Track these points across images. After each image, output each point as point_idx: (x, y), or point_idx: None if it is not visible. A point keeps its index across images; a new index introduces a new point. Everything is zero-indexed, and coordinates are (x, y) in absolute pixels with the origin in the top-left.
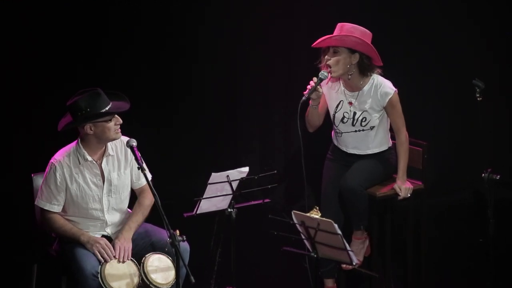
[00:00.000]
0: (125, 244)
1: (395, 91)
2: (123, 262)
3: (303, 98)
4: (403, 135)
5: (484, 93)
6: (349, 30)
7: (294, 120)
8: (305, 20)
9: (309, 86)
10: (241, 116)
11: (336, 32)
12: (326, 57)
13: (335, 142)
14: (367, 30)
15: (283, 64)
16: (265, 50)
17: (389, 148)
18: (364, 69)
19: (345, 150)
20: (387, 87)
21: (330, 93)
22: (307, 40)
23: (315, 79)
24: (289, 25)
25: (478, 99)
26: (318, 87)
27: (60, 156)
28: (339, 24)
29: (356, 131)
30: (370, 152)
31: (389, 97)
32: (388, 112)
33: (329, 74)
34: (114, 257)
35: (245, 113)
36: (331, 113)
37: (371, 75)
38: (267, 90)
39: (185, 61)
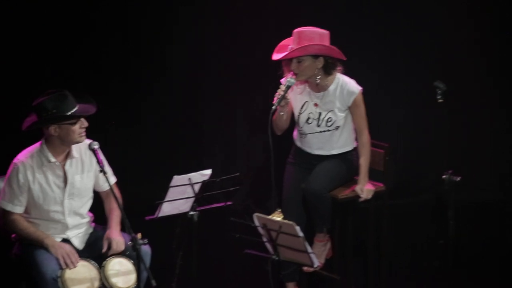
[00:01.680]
0: (120, 238)
1: (360, 90)
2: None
3: (273, 107)
4: (365, 136)
5: (445, 95)
6: (309, 37)
7: (258, 123)
8: (273, 20)
9: (277, 95)
10: (204, 119)
11: (295, 41)
12: (291, 66)
13: (299, 144)
14: (324, 31)
15: (246, 68)
16: (228, 53)
17: (354, 148)
18: (329, 68)
19: (309, 151)
20: (353, 86)
21: (294, 94)
22: (272, 43)
23: (282, 87)
24: (255, 26)
25: (439, 101)
26: (286, 94)
27: (23, 157)
28: (296, 31)
29: (321, 131)
30: (335, 153)
31: (354, 96)
32: (352, 112)
33: (296, 80)
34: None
35: (207, 116)
36: (296, 114)
37: (335, 75)
38: (230, 92)
39: (150, 64)
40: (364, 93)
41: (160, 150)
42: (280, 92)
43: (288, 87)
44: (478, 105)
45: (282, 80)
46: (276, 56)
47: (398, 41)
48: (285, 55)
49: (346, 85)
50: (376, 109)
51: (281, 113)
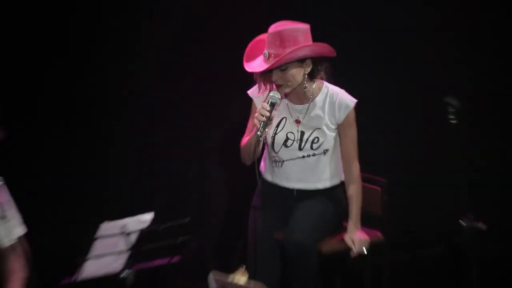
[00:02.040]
0: None
1: (355, 103)
2: None
3: (258, 134)
4: (356, 167)
5: (460, 114)
6: (292, 37)
7: (215, 155)
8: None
9: (258, 116)
10: (147, 148)
11: (274, 44)
12: (272, 77)
13: (269, 178)
14: (304, 25)
15: (198, 106)
16: (177, 89)
17: (341, 183)
18: (316, 73)
19: (286, 185)
20: (346, 97)
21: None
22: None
23: (265, 105)
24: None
25: (453, 121)
26: (271, 115)
27: None
28: (275, 32)
29: (303, 156)
30: (321, 187)
31: (348, 110)
32: (342, 133)
33: (281, 93)
34: None
35: (153, 143)
36: (270, 135)
37: (320, 81)
38: (184, 117)
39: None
40: (357, 109)
41: (87, 186)
42: (263, 112)
43: (273, 105)
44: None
45: (250, 92)
46: (253, 67)
47: (399, 47)
48: (271, 65)
49: (337, 96)
50: (369, 132)
51: (261, 138)
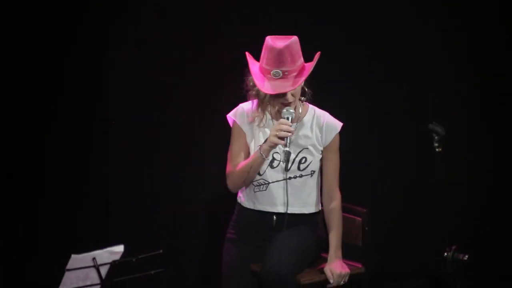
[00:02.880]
0: None
1: (341, 126)
2: None
3: (287, 150)
4: (338, 195)
5: (444, 141)
6: (295, 51)
7: (190, 186)
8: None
9: (281, 133)
10: (116, 171)
11: (282, 60)
12: (287, 96)
13: (249, 205)
14: (294, 37)
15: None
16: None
17: (320, 212)
18: (305, 92)
19: (270, 210)
20: (333, 120)
21: (252, 128)
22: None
23: (286, 121)
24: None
25: (437, 149)
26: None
27: None
28: (284, 48)
29: (290, 178)
30: (306, 212)
31: (335, 133)
32: (326, 157)
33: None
34: None
35: (122, 167)
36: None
37: (307, 104)
38: (157, 147)
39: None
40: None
41: (51, 217)
42: (285, 128)
43: (290, 119)
44: (493, 153)
45: (233, 115)
46: (277, 88)
47: (382, 74)
48: (300, 81)
49: (324, 118)
50: (350, 160)
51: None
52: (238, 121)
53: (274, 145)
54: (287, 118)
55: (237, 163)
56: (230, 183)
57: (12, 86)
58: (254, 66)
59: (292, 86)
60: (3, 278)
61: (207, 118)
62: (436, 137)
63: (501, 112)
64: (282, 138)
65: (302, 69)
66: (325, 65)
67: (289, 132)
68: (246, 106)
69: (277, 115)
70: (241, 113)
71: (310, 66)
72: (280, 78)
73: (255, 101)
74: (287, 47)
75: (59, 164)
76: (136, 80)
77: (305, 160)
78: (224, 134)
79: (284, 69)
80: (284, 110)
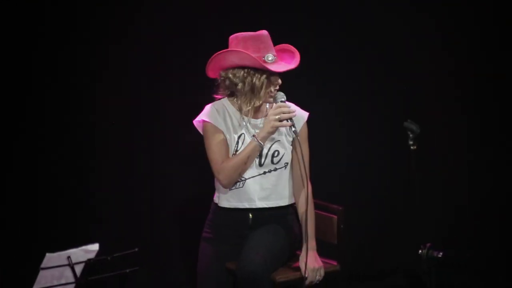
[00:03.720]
0: None
1: (308, 115)
2: None
3: (294, 129)
4: (309, 187)
5: (419, 139)
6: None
7: (164, 185)
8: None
9: (283, 115)
10: (91, 170)
11: (271, 46)
12: (277, 81)
13: (225, 204)
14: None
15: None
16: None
17: (292, 205)
18: None
19: (247, 206)
20: (300, 109)
21: (226, 124)
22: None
23: (282, 104)
24: None
25: (412, 147)
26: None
27: None
28: (267, 34)
29: (265, 172)
30: (283, 204)
31: (303, 122)
32: (296, 148)
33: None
34: None
35: (97, 166)
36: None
37: None
38: (129, 138)
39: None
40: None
41: (27, 217)
42: (285, 110)
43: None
44: (465, 151)
45: (205, 117)
46: (281, 67)
47: (358, 71)
48: (295, 62)
49: (290, 107)
50: (325, 158)
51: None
52: (212, 121)
53: (274, 131)
54: (281, 101)
55: (225, 158)
56: (225, 178)
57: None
58: (250, 56)
59: (295, 64)
60: None
61: (186, 118)
62: (411, 135)
63: (476, 108)
64: (281, 121)
65: (284, 54)
66: (301, 61)
67: (290, 112)
68: (215, 106)
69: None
70: (212, 113)
71: (293, 51)
72: (274, 62)
73: (223, 100)
74: (267, 33)
75: (31, 162)
76: (120, 79)
77: (278, 153)
78: (199, 135)
79: (273, 53)
80: (277, 95)
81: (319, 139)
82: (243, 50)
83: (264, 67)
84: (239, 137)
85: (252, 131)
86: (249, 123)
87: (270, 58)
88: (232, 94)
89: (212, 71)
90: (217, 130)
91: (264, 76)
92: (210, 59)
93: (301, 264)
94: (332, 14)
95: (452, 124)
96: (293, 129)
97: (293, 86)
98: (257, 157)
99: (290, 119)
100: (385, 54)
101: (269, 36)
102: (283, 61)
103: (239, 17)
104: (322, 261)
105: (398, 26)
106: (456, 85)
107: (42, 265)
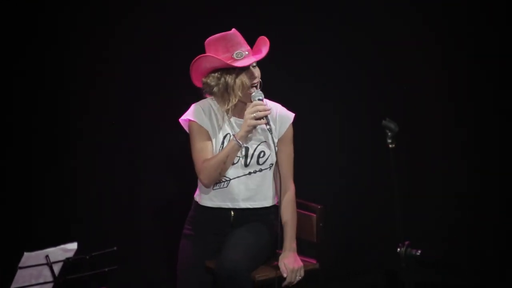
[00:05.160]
0: None
1: (293, 117)
2: None
3: (268, 127)
4: (293, 188)
5: (397, 138)
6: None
7: (145, 182)
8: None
9: (259, 113)
10: (70, 169)
11: (240, 42)
12: (257, 73)
13: (208, 203)
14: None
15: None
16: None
17: (274, 206)
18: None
19: (231, 206)
20: (286, 111)
21: (212, 123)
22: None
23: (259, 102)
24: None
25: (390, 146)
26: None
27: None
28: (235, 32)
29: (250, 173)
30: (267, 205)
31: (289, 123)
32: (280, 148)
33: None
34: None
35: (76, 164)
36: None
37: None
38: (114, 143)
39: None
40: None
41: (4, 216)
42: (262, 108)
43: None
44: (442, 149)
45: (190, 116)
46: (249, 61)
47: (337, 67)
48: (263, 52)
49: (277, 109)
50: (304, 156)
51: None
52: (197, 120)
53: (252, 129)
54: (259, 100)
55: (207, 158)
56: (205, 177)
57: None
58: (216, 58)
59: (262, 53)
60: None
61: (167, 115)
62: (389, 134)
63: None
64: (259, 119)
65: (260, 47)
66: (279, 60)
67: (265, 110)
68: (201, 105)
69: (236, 109)
70: (198, 112)
71: (265, 40)
72: (243, 57)
73: (209, 99)
74: (236, 31)
75: (7, 161)
76: (96, 74)
77: (264, 154)
78: (183, 132)
79: (243, 49)
80: (254, 94)
81: (300, 136)
82: (211, 54)
83: (230, 65)
84: (224, 137)
85: (238, 130)
86: (235, 123)
87: (239, 55)
88: None
89: (196, 80)
90: (202, 129)
91: (234, 73)
92: (190, 69)
93: (280, 263)
94: (330, 12)
95: (446, 123)
96: (268, 127)
97: (272, 81)
98: (242, 158)
99: (266, 116)
100: (374, 51)
101: (237, 33)
102: (257, 54)
103: (236, 16)
104: (302, 260)
105: (394, 25)
106: (449, 85)
107: (20, 264)
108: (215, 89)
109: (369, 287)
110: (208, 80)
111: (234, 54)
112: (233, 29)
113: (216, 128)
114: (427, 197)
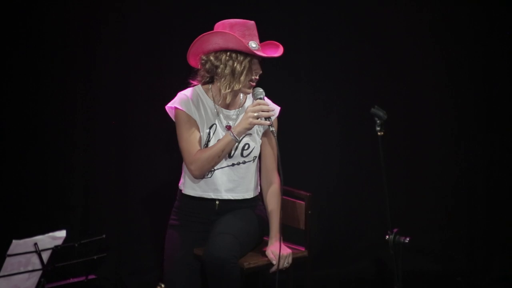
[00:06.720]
0: None
1: (279, 109)
2: None
3: (272, 129)
4: (278, 179)
5: (386, 125)
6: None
7: (133, 171)
8: None
9: (262, 113)
10: (57, 156)
11: (256, 34)
12: (260, 70)
13: (191, 192)
14: None
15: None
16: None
17: (257, 197)
18: None
19: (213, 196)
20: (270, 102)
21: (199, 113)
22: None
23: (262, 101)
24: None
25: (379, 133)
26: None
27: None
28: (254, 24)
29: (233, 164)
30: (248, 197)
31: (275, 116)
32: (265, 142)
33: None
34: None
35: (63, 152)
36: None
37: None
38: (103, 133)
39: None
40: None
41: None
42: (265, 108)
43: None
44: (430, 138)
45: (178, 105)
46: (274, 52)
47: (326, 56)
48: (279, 52)
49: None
50: (292, 144)
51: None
52: (185, 109)
53: (251, 127)
54: (261, 98)
55: (197, 149)
56: (197, 168)
57: None
58: (236, 38)
59: (279, 52)
60: None
61: (154, 103)
62: (378, 121)
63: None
64: (257, 119)
65: (268, 48)
66: (279, 59)
67: (269, 111)
68: (188, 93)
69: (224, 101)
70: (186, 101)
71: (277, 44)
72: (257, 50)
73: (196, 88)
74: (254, 24)
75: None
76: (99, 77)
77: (248, 147)
78: (170, 122)
79: (257, 42)
80: (256, 92)
81: (287, 126)
82: (230, 32)
83: (248, 49)
84: (210, 127)
85: (225, 122)
86: (222, 114)
87: (253, 45)
88: (208, 81)
89: (193, 55)
90: (190, 119)
91: (247, 60)
92: (194, 41)
93: (268, 251)
94: (328, 11)
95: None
96: (271, 129)
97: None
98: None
99: (269, 118)
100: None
101: (255, 26)
102: (267, 52)
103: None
104: (290, 247)
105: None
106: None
107: (9, 252)
108: (220, 68)
109: (356, 274)
110: (214, 58)
111: (249, 43)
112: (253, 21)
113: (204, 118)
114: (416, 185)
